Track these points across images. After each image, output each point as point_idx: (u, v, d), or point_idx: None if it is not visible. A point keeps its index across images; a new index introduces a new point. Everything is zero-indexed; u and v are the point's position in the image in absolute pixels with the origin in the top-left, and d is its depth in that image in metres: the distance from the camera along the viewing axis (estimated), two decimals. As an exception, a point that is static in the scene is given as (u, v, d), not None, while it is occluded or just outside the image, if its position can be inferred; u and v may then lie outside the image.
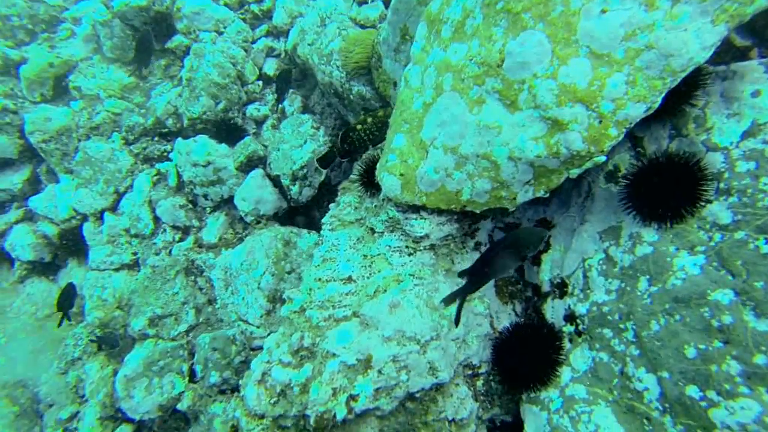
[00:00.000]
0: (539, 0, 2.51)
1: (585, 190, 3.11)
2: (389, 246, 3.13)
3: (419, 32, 3.15)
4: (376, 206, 3.40)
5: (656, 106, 2.41)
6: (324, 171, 5.16)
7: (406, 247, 3.09)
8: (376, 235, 3.25)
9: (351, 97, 5.04)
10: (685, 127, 2.64)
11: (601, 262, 2.79)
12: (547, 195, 2.77)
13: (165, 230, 5.38)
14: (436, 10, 3.01)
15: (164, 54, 5.99)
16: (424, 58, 3.05)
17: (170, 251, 5.27)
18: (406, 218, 3.06)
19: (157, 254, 5.29)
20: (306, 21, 5.62)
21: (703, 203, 2.49)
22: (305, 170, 4.99)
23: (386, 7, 5.63)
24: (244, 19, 6.29)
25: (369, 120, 3.82)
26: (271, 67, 5.90)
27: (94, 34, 6.13)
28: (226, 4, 6.15)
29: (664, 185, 2.56)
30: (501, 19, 2.64)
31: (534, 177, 2.71)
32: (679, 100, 2.60)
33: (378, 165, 3.16)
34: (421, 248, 3.07)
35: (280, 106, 5.69)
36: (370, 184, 3.50)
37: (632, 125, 2.46)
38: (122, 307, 5.13)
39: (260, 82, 5.89)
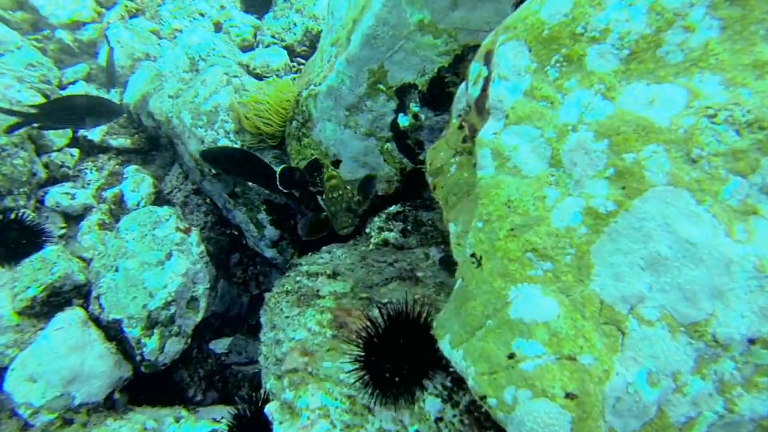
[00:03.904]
0: None
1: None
2: None
3: (511, 62, 1.43)
4: (418, 432, 1.40)
5: None
6: (201, 309, 2.82)
7: None
8: None
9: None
10: None
11: None
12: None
13: None
14: (558, 19, 1.36)
15: None
16: (546, 114, 1.33)
17: None
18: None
19: None
20: (166, 62, 3.41)
21: None
22: (172, 308, 2.61)
23: (293, 56, 3.81)
24: (41, 49, 3.70)
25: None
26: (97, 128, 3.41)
27: None
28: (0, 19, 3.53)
29: None
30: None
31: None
32: None
33: (468, 365, 1.19)
34: None
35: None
36: (383, 379, 1.50)
37: None
38: None
39: (74, 151, 3.33)
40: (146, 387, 2.74)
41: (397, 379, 1.45)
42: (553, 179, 1.26)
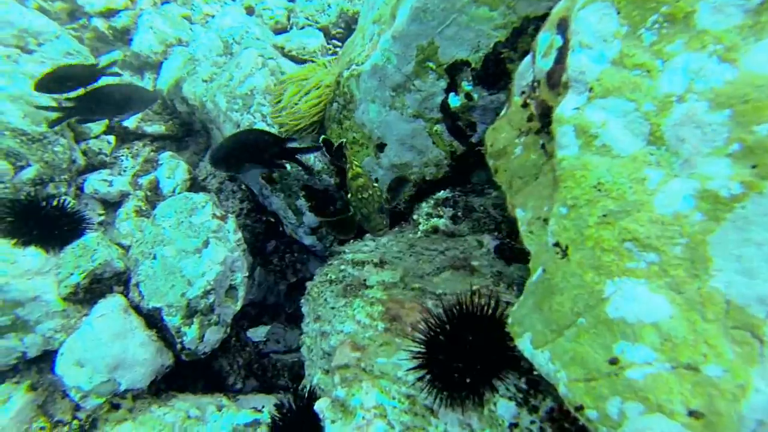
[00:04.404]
0: None
1: None
2: None
3: (594, 27, 1.26)
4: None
5: None
6: (240, 297, 2.74)
7: None
8: None
9: (286, 166, 2.85)
10: None
11: None
12: None
13: None
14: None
15: None
16: (641, 84, 1.15)
17: None
18: None
19: None
20: (199, 46, 3.31)
21: None
22: (211, 297, 2.54)
23: (329, 39, 3.66)
24: (78, 38, 3.66)
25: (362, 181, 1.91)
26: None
27: None
28: (40, 9, 3.48)
29: None
30: None
31: None
32: None
33: (557, 369, 1.05)
34: None
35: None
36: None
37: None
38: None
39: (111, 138, 3.28)
40: (187, 374, 2.69)
41: (465, 378, 1.31)
42: (653, 158, 1.09)
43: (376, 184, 2.01)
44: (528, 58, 1.74)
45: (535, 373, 1.11)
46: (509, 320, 1.26)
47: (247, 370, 3.08)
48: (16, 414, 2.34)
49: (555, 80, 1.44)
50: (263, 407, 2.65)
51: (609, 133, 1.16)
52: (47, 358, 2.49)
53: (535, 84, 1.60)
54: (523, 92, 1.75)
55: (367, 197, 1.92)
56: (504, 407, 1.28)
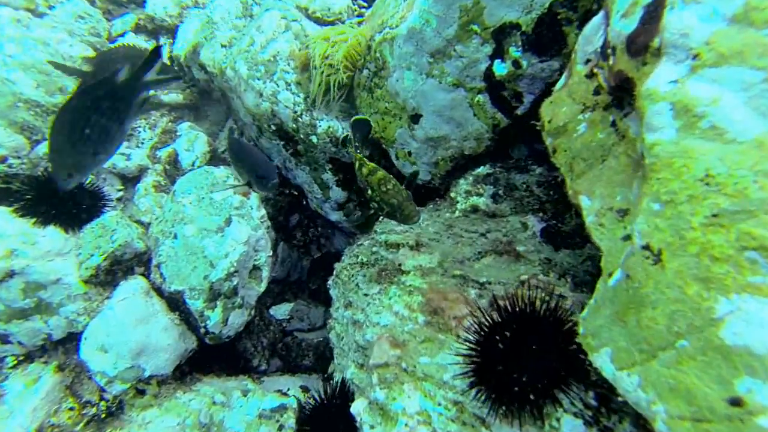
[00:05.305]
0: None
1: None
2: None
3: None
4: None
5: None
6: (264, 278, 2.61)
7: None
8: None
9: (312, 139, 2.66)
10: None
11: None
12: None
13: None
14: None
15: None
16: None
17: None
18: None
19: None
20: (217, 8, 3.07)
21: None
22: (235, 279, 2.41)
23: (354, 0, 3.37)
24: (90, 0, 3.44)
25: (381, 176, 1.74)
26: (147, 82, 3.16)
27: None
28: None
29: None
30: None
31: None
32: None
33: (650, 398, 0.87)
34: None
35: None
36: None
37: None
38: None
39: (127, 107, 3.11)
40: (211, 357, 2.61)
41: (525, 389, 1.15)
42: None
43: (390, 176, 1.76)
44: (597, 19, 1.49)
45: (619, 397, 0.94)
46: (581, 330, 1.08)
47: (271, 349, 3.00)
48: (47, 394, 2.29)
49: (639, 45, 1.20)
50: (288, 390, 2.58)
51: (722, 111, 0.94)
52: (72, 339, 2.43)
53: (608, 50, 1.36)
54: (588, 60, 1.51)
55: (391, 188, 1.68)
56: (569, 425, 1.13)
